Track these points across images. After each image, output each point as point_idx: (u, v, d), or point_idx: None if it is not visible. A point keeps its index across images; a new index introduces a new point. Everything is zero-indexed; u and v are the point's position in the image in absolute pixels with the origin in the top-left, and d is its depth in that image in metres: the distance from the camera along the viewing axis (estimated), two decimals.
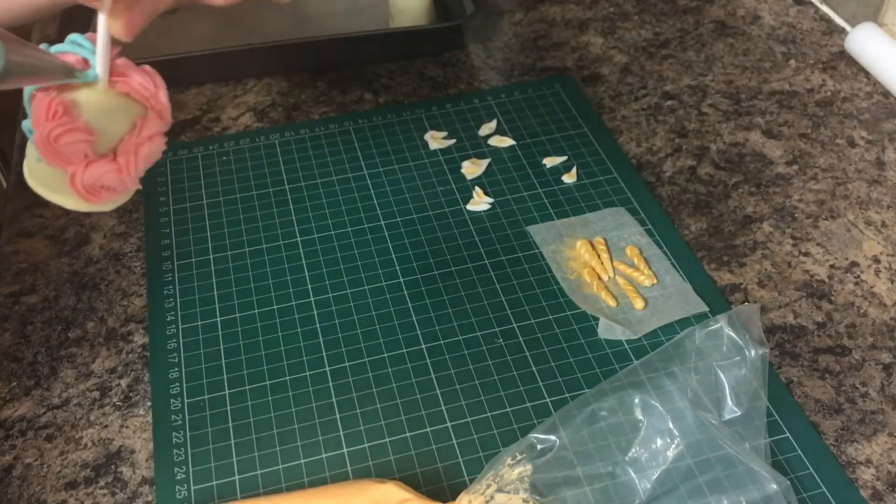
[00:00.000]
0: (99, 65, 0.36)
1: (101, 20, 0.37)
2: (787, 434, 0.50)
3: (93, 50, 0.36)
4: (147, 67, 0.39)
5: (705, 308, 0.57)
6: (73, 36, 0.37)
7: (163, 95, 0.38)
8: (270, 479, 0.49)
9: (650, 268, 0.59)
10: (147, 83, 0.37)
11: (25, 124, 0.36)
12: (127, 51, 0.68)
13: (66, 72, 0.34)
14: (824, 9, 0.84)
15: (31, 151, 0.37)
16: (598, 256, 0.60)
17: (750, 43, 0.81)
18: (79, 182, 0.36)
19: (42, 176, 0.36)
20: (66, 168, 0.35)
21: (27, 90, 0.36)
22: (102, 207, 0.38)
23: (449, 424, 0.51)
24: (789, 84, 0.76)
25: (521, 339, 0.55)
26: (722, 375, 0.50)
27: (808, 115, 0.72)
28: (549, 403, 0.52)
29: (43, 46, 0.37)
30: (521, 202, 0.65)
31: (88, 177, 0.36)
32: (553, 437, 0.47)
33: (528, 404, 0.52)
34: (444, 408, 0.52)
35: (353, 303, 0.58)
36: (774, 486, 0.46)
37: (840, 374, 0.54)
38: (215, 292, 0.59)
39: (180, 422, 0.52)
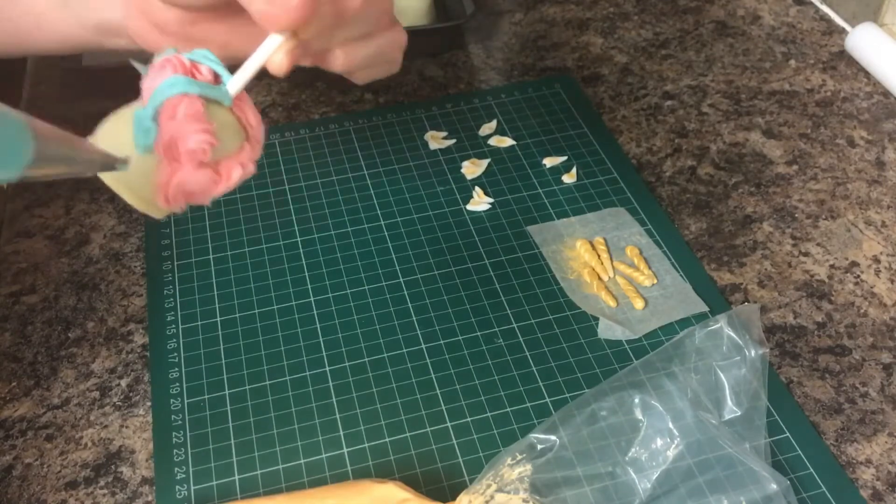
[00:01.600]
0: (235, 84, 0.37)
1: (268, 45, 0.38)
2: (787, 434, 0.50)
3: (221, 65, 0.37)
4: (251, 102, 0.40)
5: (705, 308, 0.57)
6: (204, 52, 0.38)
7: (263, 131, 0.39)
8: (270, 479, 0.49)
9: (650, 268, 0.59)
10: (256, 115, 0.39)
11: (142, 113, 0.36)
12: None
13: (103, 164, 0.34)
14: (824, 9, 0.84)
15: (117, 138, 0.36)
16: (598, 256, 0.60)
17: (750, 43, 0.81)
18: (176, 181, 0.36)
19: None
20: (173, 165, 0.36)
21: (166, 80, 0.36)
22: (157, 212, 0.38)
23: (449, 424, 0.51)
24: (789, 84, 0.76)
25: (521, 339, 0.55)
26: (722, 375, 0.50)
27: (808, 115, 0.72)
28: (549, 403, 0.52)
29: (172, 52, 0.37)
30: (521, 202, 0.65)
31: (188, 180, 0.36)
32: (553, 437, 0.47)
33: (528, 404, 0.52)
34: (444, 408, 0.52)
35: (353, 303, 0.58)
36: (774, 486, 0.46)
37: (840, 374, 0.54)
38: (215, 292, 0.59)
39: (180, 422, 0.52)
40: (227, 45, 0.45)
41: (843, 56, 0.78)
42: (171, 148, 0.35)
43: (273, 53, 0.39)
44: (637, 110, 0.74)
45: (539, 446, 0.47)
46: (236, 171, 0.38)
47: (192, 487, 0.49)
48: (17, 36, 0.51)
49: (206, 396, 0.53)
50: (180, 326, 0.57)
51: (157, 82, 0.36)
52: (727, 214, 0.64)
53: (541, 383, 0.53)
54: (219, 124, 0.37)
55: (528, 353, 0.55)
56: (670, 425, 0.47)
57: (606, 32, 0.83)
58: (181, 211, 0.39)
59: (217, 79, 0.38)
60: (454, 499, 0.46)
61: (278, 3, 0.38)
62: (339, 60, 0.44)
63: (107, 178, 0.36)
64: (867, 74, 0.76)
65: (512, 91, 0.75)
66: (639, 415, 0.48)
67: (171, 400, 0.53)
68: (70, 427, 0.52)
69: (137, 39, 0.47)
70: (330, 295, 0.58)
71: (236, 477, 0.49)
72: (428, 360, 0.54)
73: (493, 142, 0.70)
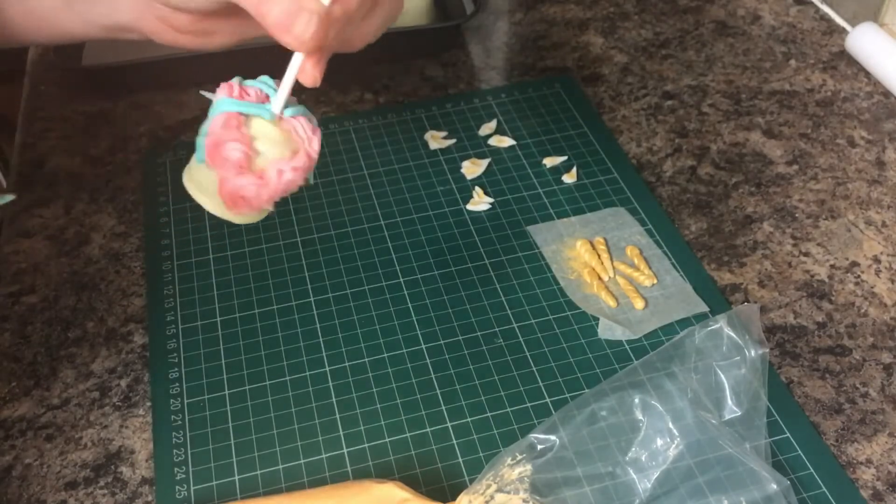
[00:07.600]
0: (277, 103, 0.42)
1: (295, 62, 0.42)
2: (788, 434, 0.50)
3: (275, 89, 0.43)
4: (307, 119, 0.44)
5: (705, 308, 0.57)
6: (265, 77, 0.44)
7: (316, 143, 0.43)
8: (270, 480, 0.49)
9: (650, 268, 0.59)
10: (306, 129, 0.43)
11: (203, 129, 0.42)
12: (131, 51, 0.68)
13: None
14: (824, 8, 0.84)
15: (196, 154, 0.43)
16: (599, 256, 0.60)
17: (750, 43, 0.80)
18: (226, 186, 0.41)
19: (197, 176, 0.43)
20: (220, 172, 0.41)
21: (215, 102, 0.42)
22: (237, 218, 0.43)
23: (449, 424, 0.51)
24: (789, 84, 0.76)
25: (521, 339, 0.55)
26: (722, 375, 0.50)
27: (809, 114, 0.72)
28: (549, 403, 0.52)
29: (236, 80, 0.43)
30: (521, 202, 0.65)
31: (235, 184, 0.41)
32: (553, 438, 0.47)
33: (528, 404, 0.52)
34: (444, 408, 0.52)
35: (353, 303, 0.58)
36: (775, 487, 0.46)
37: (840, 374, 0.54)
38: (215, 292, 0.59)
39: (180, 422, 0.52)
40: (244, 33, 0.48)
41: (844, 56, 0.78)
42: (214, 157, 0.41)
43: (302, 66, 0.42)
44: (637, 110, 0.74)
45: (539, 446, 0.47)
46: (273, 174, 0.41)
47: (192, 487, 0.48)
48: (21, 35, 0.51)
49: (206, 396, 0.53)
50: (180, 326, 0.57)
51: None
52: (727, 214, 0.64)
53: (541, 383, 0.53)
54: (262, 137, 0.42)
55: (528, 353, 0.55)
56: (670, 425, 0.47)
57: (606, 32, 0.83)
58: (257, 216, 0.43)
59: (266, 99, 0.43)
60: (454, 499, 0.46)
61: (294, 37, 0.40)
62: (359, 43, 0.46)
63: (190, 187, 0.43)
64: (867, 74, 0.76)
65: (512, 91, 0.75)
66: (639, 415, 0.48)
67: (171, 400, 0.53)
68: (70, 427, 0.52)
69: (155, 38, 0.50)
70: (330, 295, 0.58)
71: (236, 477, 0.49)
72: (428, 360, 0.54)
73: (493, 142, 0.70)
